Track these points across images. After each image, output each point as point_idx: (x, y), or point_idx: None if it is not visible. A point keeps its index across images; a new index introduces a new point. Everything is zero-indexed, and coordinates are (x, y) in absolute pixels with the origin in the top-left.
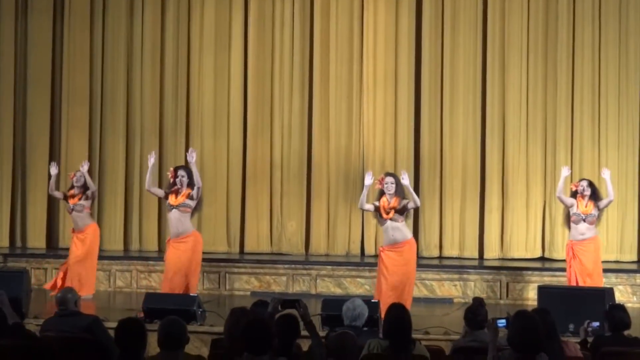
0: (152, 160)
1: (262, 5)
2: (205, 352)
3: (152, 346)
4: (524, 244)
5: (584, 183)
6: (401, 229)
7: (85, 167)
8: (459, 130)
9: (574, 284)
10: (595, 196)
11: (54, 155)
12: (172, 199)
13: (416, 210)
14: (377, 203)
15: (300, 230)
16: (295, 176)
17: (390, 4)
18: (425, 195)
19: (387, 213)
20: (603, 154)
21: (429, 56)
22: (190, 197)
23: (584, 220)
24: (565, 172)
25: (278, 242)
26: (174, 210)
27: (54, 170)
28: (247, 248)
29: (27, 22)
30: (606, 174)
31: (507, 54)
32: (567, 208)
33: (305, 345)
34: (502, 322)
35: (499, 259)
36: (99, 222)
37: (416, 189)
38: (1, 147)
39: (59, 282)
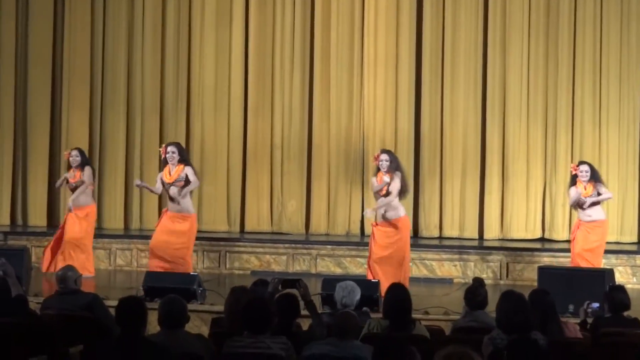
0: (137, 182)
1: None
2: (205, 330)
3: (153, 325)
4: (524, 225)
5: (583, 167)
6: (394, 206)
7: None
8: (460, 111)
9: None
10: (595, 178)
11: (54, 134)
12: (166, 177)
13: (416, 190)
14: (374, 179)
15: (300, 210)
16: (296, 156)
17: None
18: (425, 176)
19: (381, 190)
20: (604, 134)
21: (430, 36)
22: (182, 178)
23: (587, 204)
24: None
25: (278, 222)
26: (171, 187)
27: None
28: (248, 227)
29: (28, 2)
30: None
31: (508, 34)
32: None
33: (305, 324)
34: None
35: (499, 239)
36: (100, 201)
37: (416, 169)
38: (2, 125)
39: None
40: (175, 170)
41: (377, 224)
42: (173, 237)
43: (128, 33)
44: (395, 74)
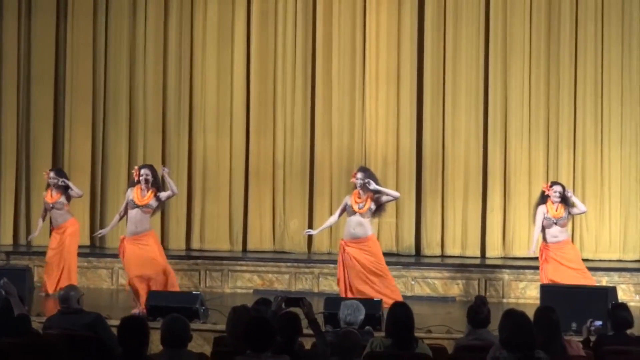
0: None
1: (265, 2)
2: (207, 349)
3: (155, 344)
4: (526, 243)
5: (557, 188)
6: (364, 225)
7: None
8: (462, 129)
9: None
10: (566, 200)
11: (57, 152)
12: (137, 199)
13: (418, 208)
14: (349, 197)
15: (302, 229)
16: (298, 174)
17: (392, 3)
18: (427, 194)
19: (360, 208)
20: (606, 152)
21: (432, 54)
22: (156, 198)
23: (556, 224)
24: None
25: (280, 240)
26: (136, 209)
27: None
28: (250, 246)
29: (31, 21)
30: (569, 193)
31: (510, 52)
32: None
33: (307, 343)
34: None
35: (501, 257)
36: (102, 220)
37: (418, 187)
38: (5, 144)
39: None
40: (147, 196)
41: (346, 242)
42: (147, 262)
43: (130, 52)
44: (396, 92)
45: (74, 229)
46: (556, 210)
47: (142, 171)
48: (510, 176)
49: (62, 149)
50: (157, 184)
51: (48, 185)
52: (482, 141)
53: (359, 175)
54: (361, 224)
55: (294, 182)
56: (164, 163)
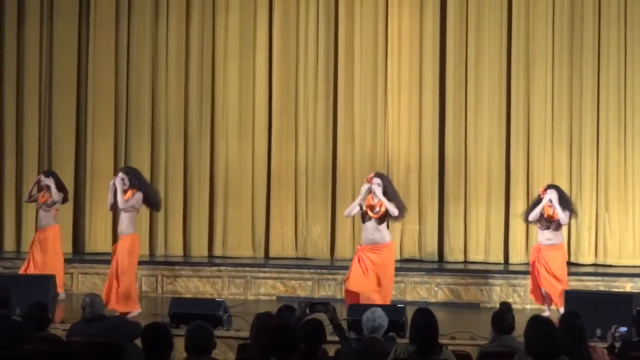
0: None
1: (287, 9)
2: (231, 357)
3: (179, 351)
4: None
5: (551, 191)
6: (381, 230)
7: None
8: (484, 134)
9: (535, 286)
10: (562, 203)
11: (79, 160)
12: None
13: (440, 214)
14: (363, 202)
15: (325, 235)
16: (320, 180)
17: (414, 8)
18: (450, 200)
19: (376, 212)
20: (629, 156)
21: (454, 59)
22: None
23: (549, 227)
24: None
25: (303, 247)
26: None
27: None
28: (272, 253)
29: (53, 26)
30: (551, 194)
31: (532, 56)
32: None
33: (331, 350)
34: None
35: (525, 263)
36: None
37: (441, 193)
38: (27, 151)
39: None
40: (127, 195)
41: (362, 248)
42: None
43: (152, 57)
44: (419, 97)
45: (55, 237)
46: (552, 214)
47: (120, 174)
48: (534, 181)
49: (84, 154)
50: (135, 185)
51: (40, 187)
52: (505, 146)
53: (376, 180)
54: (378, 230)
55: (317, 188)
56: (185, 169)
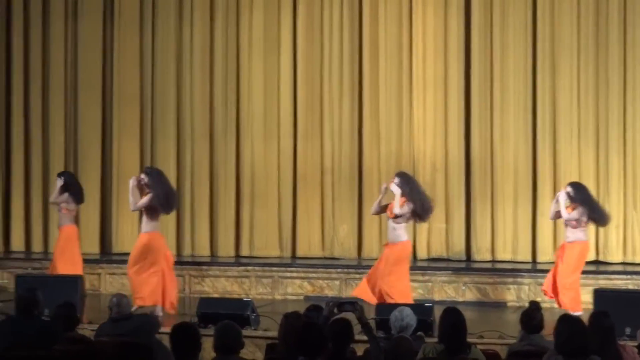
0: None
1: (311, 9)
2: (260, 356)
3: (207, 351)
4: None
5: (567, 188)
6: (396, 229)
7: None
8: (510, 133)
9: (550, 281)
10: (577, 200)
11: (105, 160)
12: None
13: (467, 213)
14: (383, 201)
15: (352, 234)
16: (347, 179)
17: (439, 7)
18: (476, 199)
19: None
20: None
21: (479, 58)
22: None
23: (567, 225)
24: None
25: (330, 247)
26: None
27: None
28: (299, 252)
29: (77, 27)
30: (560, 194)
31: (558, 55)
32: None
33: (360, 350)
34: None
35: (553, 262)
36: None
37: (467, 192)
38: (53, 152)
39: None
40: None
41: (387, 244)
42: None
43: (177, 58)
44: (444, 96)
45: (66, 238)
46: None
47: (142, 175)
48: (560, 180)
49: (110, 155)
50: (150, 186)
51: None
52: (531, 144)
53: (395, 179)
54: (394, 228)
55: (343, 187)
56: (211, 169)
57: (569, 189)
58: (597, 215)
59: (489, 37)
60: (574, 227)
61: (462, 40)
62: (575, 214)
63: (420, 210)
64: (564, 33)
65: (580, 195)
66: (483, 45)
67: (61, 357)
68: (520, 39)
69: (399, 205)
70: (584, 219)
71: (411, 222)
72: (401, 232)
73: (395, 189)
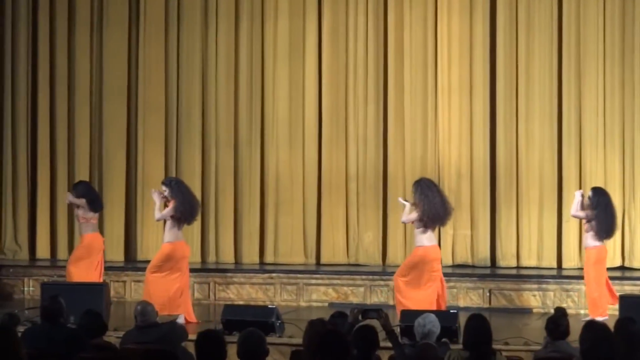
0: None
1: (336, 15)
2: None
3: (232, 358)
4: None
5: (589, 192)
6: (417, 235)
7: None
8: (535, 139)
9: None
10: (592, 204)
11: (130, 167)
12: None
13: (492, 219)
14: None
15: (377, 241)
16: (371, 186)
17: (464, 12)
18: (501, 205)
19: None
20: None
21: (504, 63)
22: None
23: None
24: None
25: (355, 253)
26: None
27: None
28: (324, 259)
29: (103, 36)
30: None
31: (583, 60)
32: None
33: (384, 356)
34: None
35: (578, 268)
36: None
37: (492, 198)
38: (78, 160)
39: None
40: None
41: None
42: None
43: (202, 65)
44: (469, 102)
45: (82, 244)
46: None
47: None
48: (586, 186)
49: (134, 162)
50: (172, 196)
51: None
52: (557, 150)
53: (412, 187)
54: (416, 234)
55: (368, 194)
56: (236, 177)
57: (589, 193)
58: (601, 225)
59: (514, 42)
60: (587, 232)
61: (487, 45)
62: (581, 214)
63: (426, 216)
64: (589, 38)
65: (595, 200)
66: (508, 50)
67: None
68: (545, 44)
69: (407, 212)
70: (592, 223)
71: (433, 229)
72: (419, 237)
73: (402, 200)
